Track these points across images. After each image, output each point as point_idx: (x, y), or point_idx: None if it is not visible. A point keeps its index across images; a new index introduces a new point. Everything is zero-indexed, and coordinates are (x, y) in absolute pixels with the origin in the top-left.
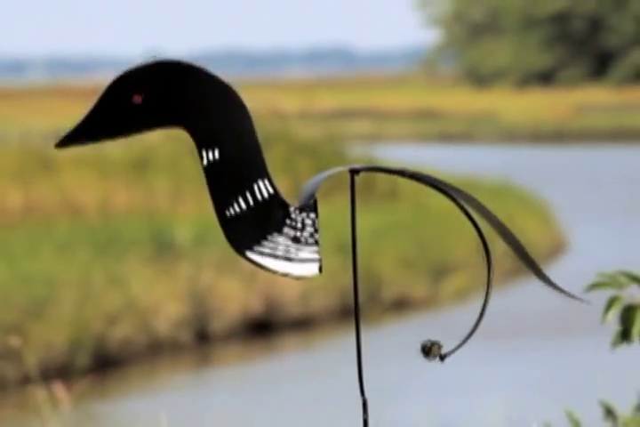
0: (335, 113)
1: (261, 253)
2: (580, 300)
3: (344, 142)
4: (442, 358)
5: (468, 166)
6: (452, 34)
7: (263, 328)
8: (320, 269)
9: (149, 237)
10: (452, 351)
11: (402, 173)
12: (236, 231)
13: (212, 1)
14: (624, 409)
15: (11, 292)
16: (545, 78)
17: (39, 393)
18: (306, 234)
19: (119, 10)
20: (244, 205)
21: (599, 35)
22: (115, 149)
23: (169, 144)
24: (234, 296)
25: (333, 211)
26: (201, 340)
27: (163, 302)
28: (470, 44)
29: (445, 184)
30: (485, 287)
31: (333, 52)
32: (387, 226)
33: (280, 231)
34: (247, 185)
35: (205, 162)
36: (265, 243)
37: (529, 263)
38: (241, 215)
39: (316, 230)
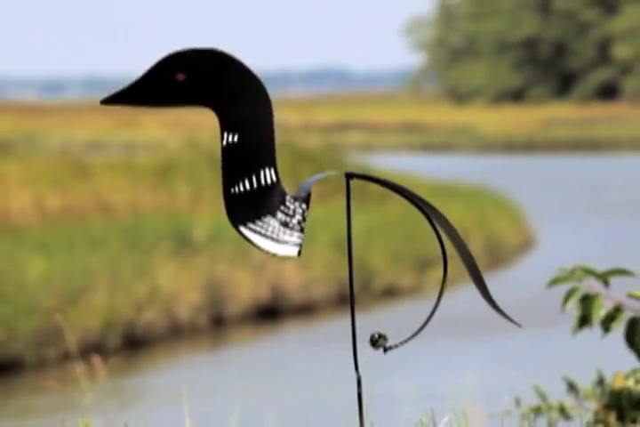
0: (333, 126)
1: (253, 231)
2: (515, 323)
3: (341, 151)
4: (385, 349)
5: (448, 173)
6: (435, 57)
7: (270, 313)
8: (298, 253)
9: (172, 234)
10: (397, 346)
11: (387, 185)
12: (235, 207)
13: (225, 30)
14: (585, 384)
15: (51, 282)
16: (516, 96)
17: (77, 368)
18: (294, 221)
19: (145, 36)
20: (248, 187)
21: (563, 58)
22: (143, 157)
23: (189, 153)
24: (245, 286)
25: (332, 212)
26: (216, 323)
27: (183, 290)
28: (451, 66)
29: (420, 198)
30: (439, 289)
31: (331, 73)
32: (378, 224)
33: (274, 215)
34: (255, 170)
35: (225, 143)
36: (258, 222)
37: (475, 274)
38: (244, 195)
39: (303, 219)
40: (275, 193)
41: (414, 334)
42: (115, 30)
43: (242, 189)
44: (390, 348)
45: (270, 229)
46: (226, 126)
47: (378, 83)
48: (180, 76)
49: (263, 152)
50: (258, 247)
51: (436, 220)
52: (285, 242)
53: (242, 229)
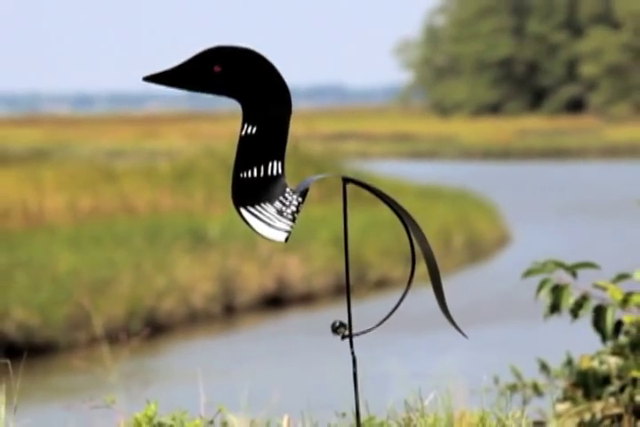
0: (332, 136)
1: (251, 213)
2: (462, 333)
3: (339, 158)
4: (343, 337)
5: (434, 178)
6: (422, 75)
7: (275, 302)
8: (286, 240)
9: (188, 231)
10: (359, 334)
11: (374, 192)
12: (241, 191)
13: None
14: (555, 365)
15: (80, 274)
16: (494, 109)
17: (104, 350)
18: (289, 211)
19: (166, 56)
20: (255, 174)
21: (536, 76)
22: (163, 164)
23: (205, 161)
24: (253, 277)
25: (330, 212)
26: (228, 311)
27: (198, 281)
28: (436, 83)
29: (402, 209)
30: (405, 288)
31: (330, 89)
32: (372, 223)
33: (272, 203)
34: (265, 160)
35: (243, 133)
36: (257, 207)
37: (436, 285)
38: (250, 180)
39: (297, 211)
40: (278, 184)
41: (376, 326)
42: (139, 51)
43: (250, 175)
44: (348, 336)
45: (267, 214)
46: (247, 118)
47: (371, 98)
48: (217, 68)
49: (275, 146)
50: (252, 229)
51: (412, 229)
52: (277, 228)
53: (242, 210)
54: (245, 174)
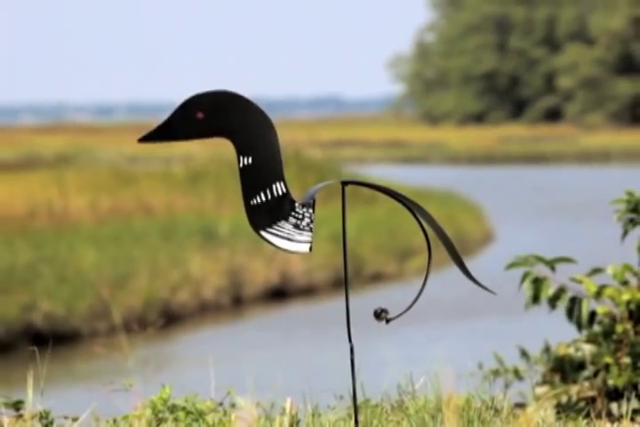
0: (331, 143)
1: (271, 233)
2: (492, 292)
3: (338, 163)
4: (387, 321)
5: (424, 181)
6: (413, 87)
7: (280, 295)
8: (310, 249)
9: (200, 230)
10: (396, 317)
11: (376, 188)
12: (255, 216)
13: (246, 65)
14: (535, 352)
15: (102, 269)
16: (478, 118)
17: (123, 339)
18: (304, 223)
19: (180, 68)
20: (264, 199)
21: (517, 87)
22: (177, 168)
23: (216, 165)
24: (259, 272)
25: (330, 212)
26: (236, 303)
27: (209, 276)
28: (425, 94)
29: (404, 197)
30: (425, 271)
31: (330, 100)
32: (367, 222)
33: (287, 219)
34: (268, 184)
35: (241, 165)
36: (274, 226)
37: (454, 256)
38: (261, 205)
39: (311, 221)
40: (286, 201)
41: (407, 309)
42: (155, 64)
43: (259, 200)
44: (391, 319)
45: (285, 231)
46: (240, 151)
47: (367, 108)
48: (200, 115)
49: (273, 169)
50: (276, 247)
51: (418, 212)
52: (298, 241)
53: (262, 233)
54: (255, 201)
